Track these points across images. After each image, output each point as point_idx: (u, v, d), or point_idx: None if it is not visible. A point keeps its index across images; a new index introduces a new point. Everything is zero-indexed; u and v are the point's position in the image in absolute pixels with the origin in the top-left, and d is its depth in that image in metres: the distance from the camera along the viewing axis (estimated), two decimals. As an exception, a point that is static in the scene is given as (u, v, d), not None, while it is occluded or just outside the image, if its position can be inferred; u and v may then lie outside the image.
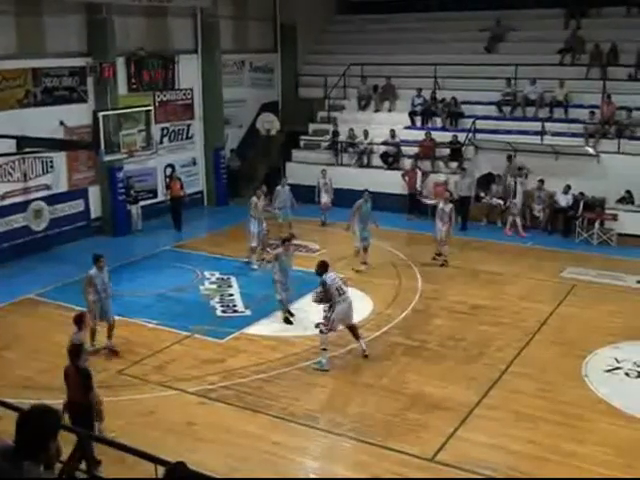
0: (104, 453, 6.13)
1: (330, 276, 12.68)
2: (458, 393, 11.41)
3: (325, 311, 12.62)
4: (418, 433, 10.31)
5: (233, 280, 16.69)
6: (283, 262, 14.46)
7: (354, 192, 21.20)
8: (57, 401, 8.84)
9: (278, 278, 14.40)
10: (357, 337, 12.82)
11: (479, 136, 22.37)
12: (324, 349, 12.39)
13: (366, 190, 18.07)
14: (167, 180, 22.09)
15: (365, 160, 23.77)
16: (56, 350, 13.04)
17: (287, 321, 14.39)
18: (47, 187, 19.45)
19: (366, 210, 17.66)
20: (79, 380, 8.91)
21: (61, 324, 14.18)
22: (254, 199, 18.08)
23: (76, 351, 9.17)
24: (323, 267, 12.77)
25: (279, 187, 19.78)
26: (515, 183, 20.81)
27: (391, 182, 22.46)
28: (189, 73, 23.31)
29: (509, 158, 21.32)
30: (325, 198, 21.73)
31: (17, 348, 13.40)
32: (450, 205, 17.69)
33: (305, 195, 21.73)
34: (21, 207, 18.77)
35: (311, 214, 21.45)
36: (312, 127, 25.73)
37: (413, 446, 9.90)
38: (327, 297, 12.53)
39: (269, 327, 14.13)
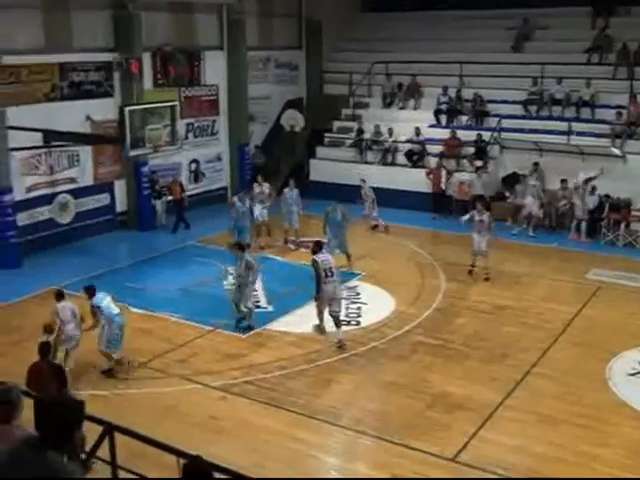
0: (126, 445, 6.12)
1: (321, 256, 13.00)
2: (481, 393, 11.34)
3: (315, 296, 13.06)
4: (439, 432, 10.26)
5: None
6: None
7: (378, 190, 21.27)
8: (81, 392, 8.91)
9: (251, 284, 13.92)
10: (338, 325, 13.11)
11: (504, 135, 22.22)
12: (320, 320, 13.20)
13: (335, 201, 17.35)
14: (169, 183, 21.53)
15: (389, 158, 23.70)
16: (81, 342, 13.19)
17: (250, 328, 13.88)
18: (73, 180, 19.61)
19: (333, 219, 16.94)
20: (52, 376, 8.88)
21: (84, 316, 14.31)
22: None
23: (48, 347, 9.27)
24: (317, 247, 13.17)
25: (287, 190, 19.17)
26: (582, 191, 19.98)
27: (415, 180, 22.38)
28: (215, 69, 23.37)
29: (535, 165, 21.12)
30: (366, 208, 20.58)
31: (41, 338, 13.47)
32: (486, 214, 16.64)
33: (328, 192, 21.67)
34: (47, 200, 18.94)
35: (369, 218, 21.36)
36: (336, 124, 25.69)
37: (434, 445, 9.85)
38: (316, 276, 12.86)
39: (291, 323, 14.12)
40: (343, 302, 13.94)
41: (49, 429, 4.09)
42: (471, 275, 16.60)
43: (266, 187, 19.56)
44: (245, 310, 13.88)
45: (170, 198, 21.33)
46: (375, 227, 20.62)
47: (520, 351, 12.90)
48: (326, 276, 12.81)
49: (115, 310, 11.98)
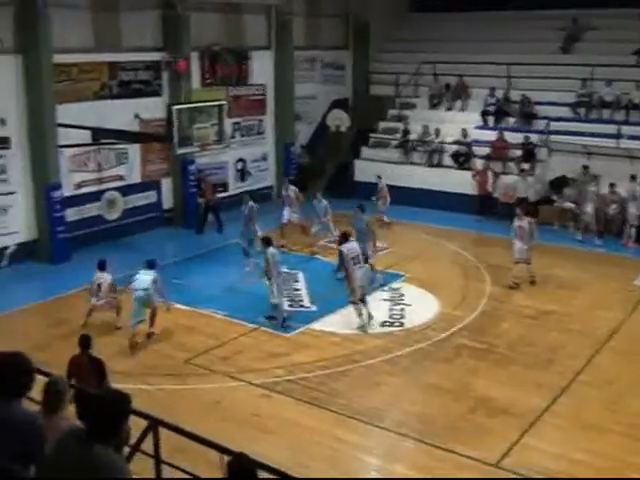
0: (168, 439, 6.16)
1: (347, 246, 13.75)
2: (525, 399, 11.20)
3: (347, 286, 13.91)
4: (482, 437, 10.16)
5: (300, 275, 16.73)
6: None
7: (423, 192, 21.17)
8: (126, 385, 9.00)
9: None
10: (363, 301, 13.85)
11: (553, 137, 21.91)
12: (360, 314, 13.76)
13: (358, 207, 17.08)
14: (205, 185, 21.24)
15: (436, 159, 23.54)
16: (124, 336, 13.41)
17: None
18: (121, 178, 19.88)
19: (357, 223, 16.66)
20: (92, 369, 8.98)
21: (130, 311, 14.49)
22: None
23: (87, 340, 9.34)
24: (343, 238, 14.07)
25: (315, 201, 18.86)
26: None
27: (461, 182, 22.18)
28: (262, 69, 23.49)
29: (585, 168, 20.77)
30: (379, 203, 20.96)
31: (88, 332, 13.61)
32: (526, 220, 16.10)
33: (373, 193, 21.63)
34: (95, 197, 19.23)
35: (379, 212, 21.31)
36: (382, 125, 25.60)
37: (476, 450, 9.76)
38: (344, 266, 13.72)
39: (335, 323, 14.12)
40: (386, 303, 14.22)
41: (96, 422, 4.13)
42: (517, 288, 16.06)
43: (292, 190, 19.52)
44: (277, 303, 13.97)
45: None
46: (380, 222, 20.80)
47: (566, 357, 12.72)
48: (354, 264, 13.60)
49: (139, 286, 13.12)
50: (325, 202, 18.70)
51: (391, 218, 20.83)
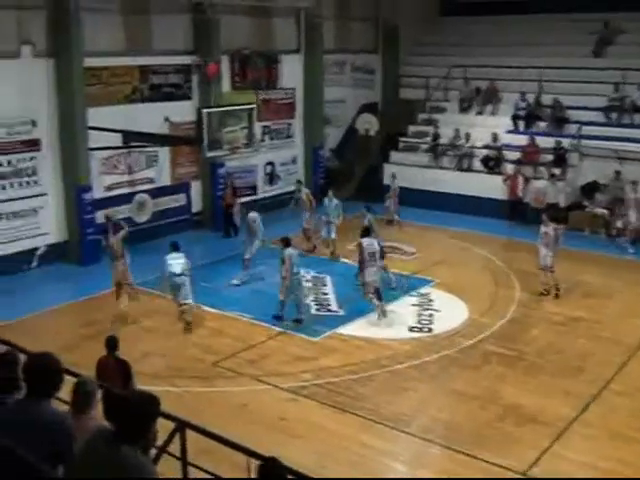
0: (194, 441, 6.20)
1: (366, 240, 14.35)
2: (554, 407, 11.10)
3: (360, 280, 14.49)
4: (510, 445, 10.08)
5: (328, 279, 16.77)
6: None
7: (453, 196, 21.09)
8: (153, 387, 9.07)
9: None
10: (380, 298, 14.25)
11: (584, 142, 21.72)
12: (377, 305, 14.24)
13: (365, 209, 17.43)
14: (226, 189, 21.18)
15: (465, 163, 23.44)
16: (152, 338, 13.56)
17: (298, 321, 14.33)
18: (151, 180, 20.05)
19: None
20: (118, 371, 9.04)
21: (156, 313, 14.65)
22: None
23: (114, 342, 9.40)
24: (365, 232, 14.71)
25: (326, 199, 18.87)
26: None
27: (492, 187, 22.06)
28: (291, 72, 23.58)
29: (617, 174, 20.56)
30: (387, 202, 21.50)
31: (117, 332, 13.75)
32: (551, 226, 15.76)
33: (402, 197, 21.63)
34: (125, 199, 19.40)
35: (408, 216, 21.30)
36: (412, 129, 25.56)
37: (504, 458, 9.68)
38: (361, 259, 14.24)
39: (362, 328, 14.11)
40: (415, 308, 14.29)
41: (125, 423, 4.17)
42: (547, 294, 15.87)
43: (304, 193, 19.55)
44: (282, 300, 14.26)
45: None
46: (390, 222, 21.09)
47: (595, 365, 12.58)
48: (370, 259, 14.12)
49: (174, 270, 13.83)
50: (337, 201, 18.67)
51: (421, 223, 20.85)
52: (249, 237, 17.06)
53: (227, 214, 20.82)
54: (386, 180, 23.94)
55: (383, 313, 14.26)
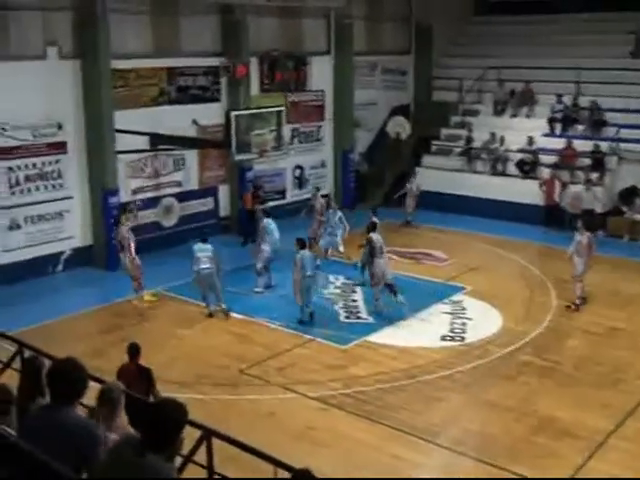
0: (219, 450, 6.22)
1: (375, 235, 15.13)
2: (591, 420, 10.95)
3: (369, 271, 15.18)
4: (546, 459, 9.96)
5: (357, 286, 16.72)
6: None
7: (487, 201, 20.94)
8: (180, 394, 9.11)
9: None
10: (395, 293, 14.88)
11: (623, 146, 21.48)
12: (378, 299, 14.97)
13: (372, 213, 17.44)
14: (249, 193, 20.86)
15: (500, 168, 23.29)
16: (178, 345, 13.64)
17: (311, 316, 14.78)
18: (178, 184, 20.19)
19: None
20: (141, 378, 9.07)
21: (185, 320, 14.77)
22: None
23: (136, 349, 9.43)
24: (373, 227, 15.52)
25: (330, 211, 18.85)
26: None
27: (527, 192, 21.88)
28: (321, 74, 23.62)
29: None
30: (408, 201, 21.80)
31: (141, 340, 13.84)
32: (586, 235, 15.39)
33: (434, 202, 21.56)
34: (152, 203, 19.57)
35: (440, 222, 21.22)
36: (444, 132, 25.47)
37: (540, 473, 9.58)
38: (371, 254, 14.92)
39: (393, 336, 14.07)
40: (447, 316, 14.10)
41: (152, 431, 4.18)
42: (585, 302, 15.65)
43: (318, 202, 19.59)
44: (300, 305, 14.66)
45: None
46: (408, 223, 21.52)
47: (635, 377, 12.41)
48: (380, 252, 14.86)
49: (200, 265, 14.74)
50: (340, 213, 18.73)
51: (454, 228, 20.78)
52: (259, 243, 17.05)
53: (248, 219, 20.45)
54: (424, 187, 23.87)
55: (399, 303, 14.83)
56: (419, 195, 22.03)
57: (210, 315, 14.98)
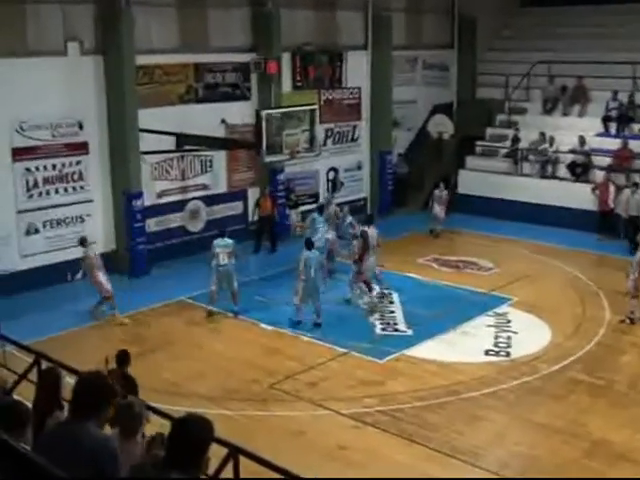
0: (246, 467, 6.24)
1: (370, 230, 15.90)
2: (648, 443, 10.82)
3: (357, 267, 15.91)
4: (598, 485, 9.86)
5: (395, 296, 16.70)
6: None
7: (535, 206, 20.76)
8: (206, 410, 9.16)
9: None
10: (369, 289, 15.86)
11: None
12: (368, 294, 15.86)
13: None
14: (267, 196, 20.69)
15: (549, 170, 23.11)
16: (204, 357, 13.72)
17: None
18: (205, 187, 20.31)
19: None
20: (124, 387, 9.08)
21: (211, 331, 14.84)
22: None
23: (124, 357, 9.53)
24: (369, 219, 16.51)
25: (341, 215, 18.96)
26: None
27: (579, 196, 21.70)
28: (357, 70, 23.63)
29: None
30: (437, 209, 21.45)
31: (166, 351, 14.06)
32: None
33: (478, 207, 21.45)
34: (178, 206, 19.72)
35: (485, 228, 21.10)
36: (489, 132, 25.36)
37: (592, 499, 9.49)
38: (363, 249, 15.66)
39: (433, 350, 14.03)
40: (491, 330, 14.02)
41: (176, 449, 4.19)
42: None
43: (332, 209, 19.62)
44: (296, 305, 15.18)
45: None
46: (436, 234, 21.41)
47: (696, 397, 12.24)
48: (372, 248, 15.63)
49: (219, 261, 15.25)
50: (350, 218, 18.75)
51: (499, 235, 20.69)
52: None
53: (261, 226, 20.45)
54: (462, 189, 23.81)
55: (371, 304, 15.76)
56: (450, 201, 21.82)
57: (209, 314, 15.44)
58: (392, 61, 24.23)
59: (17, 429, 4.51)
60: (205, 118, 19.40)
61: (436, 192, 21.79)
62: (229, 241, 15.50)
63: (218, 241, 15.52)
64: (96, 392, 4.68)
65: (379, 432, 11.18)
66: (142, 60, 18.12)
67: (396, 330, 15.01)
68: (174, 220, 19.63)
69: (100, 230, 18.32)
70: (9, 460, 3.41)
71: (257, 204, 20.76)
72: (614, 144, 22.33)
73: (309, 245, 15.31)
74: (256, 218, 20.64)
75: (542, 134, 23.35)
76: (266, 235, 20.51)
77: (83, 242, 15.68)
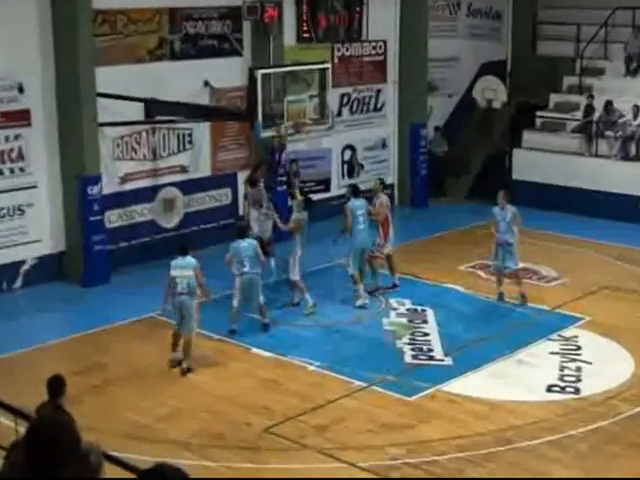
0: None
1: (354, 202, 17.15)
2: None
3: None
4: None
5: (430, 314, 16.73)
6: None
7: (615, 197, 20.76)
8: (180, 460, 9.17)
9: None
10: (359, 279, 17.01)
11: None
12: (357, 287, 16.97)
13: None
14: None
15: (632, 150, 23.10)
16: (181, 391, 13.72)
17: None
18: (183, 169, 20.36)
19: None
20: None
21: (193, 358, 14.81)
22: None
23: (58, 385, 9.47)
24: (353, 191, 17.56)
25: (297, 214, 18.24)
26: None
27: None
28: (382, 19, 23.70)
29: None
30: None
31: (132, 383, 14.05)
32: None
33: (539, 197, 21.44)
34: (147, 195, 19.77)
35: (545, 225, 21.10)
36: (555, 99, 25.43)
37: None
38: (348, 224, 16.85)
39: (478, 385, 14.04)
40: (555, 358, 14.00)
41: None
42: None
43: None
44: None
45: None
46: None
47: None
48: (358, 223, 16.84)
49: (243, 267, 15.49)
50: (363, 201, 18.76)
51: (566, 234, 20.72)
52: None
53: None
54: (517, 174, 23.78)
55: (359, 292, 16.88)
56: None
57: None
58: (428, 6, 24.29)
59: None
60: (183, 80, 19.48)
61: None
62: (191, 261, 14.52)
63: (177, 261, 14.61)
64: (48, 443, 4.68)
65: (408, 491, 11.24)
66: (101, 3, 18.17)
67: (431, 358, 15.02)
68: (142, 213, 19.65)
69: (46, 225, 18.38)
70: None
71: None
72: None
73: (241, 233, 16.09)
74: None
75: (636, 106, 23.14)
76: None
77: None
